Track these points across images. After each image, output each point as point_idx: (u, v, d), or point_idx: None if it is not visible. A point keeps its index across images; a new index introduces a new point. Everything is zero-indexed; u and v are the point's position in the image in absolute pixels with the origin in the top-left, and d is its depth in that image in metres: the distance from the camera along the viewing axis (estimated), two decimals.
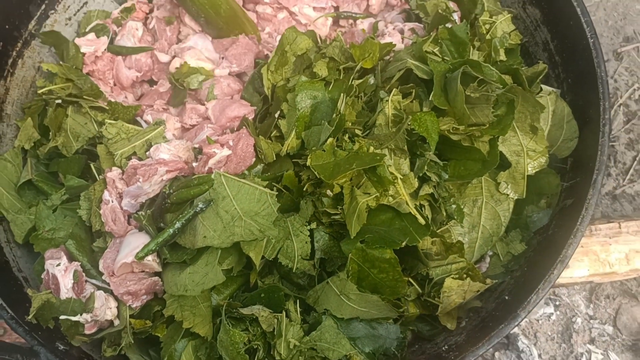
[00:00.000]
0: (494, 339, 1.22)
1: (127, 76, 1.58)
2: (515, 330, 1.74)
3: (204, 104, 1.44)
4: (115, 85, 1.59)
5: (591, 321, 1.77)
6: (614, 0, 2.13)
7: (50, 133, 1.43)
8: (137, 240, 1.26)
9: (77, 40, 1.60)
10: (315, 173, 1.23)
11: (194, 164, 1.32)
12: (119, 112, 1.43)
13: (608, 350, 1.75)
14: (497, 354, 1.72)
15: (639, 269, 1.72)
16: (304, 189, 1.27)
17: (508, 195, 1.34)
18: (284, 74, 1.42)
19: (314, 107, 1.34)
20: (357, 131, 1.26)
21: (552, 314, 1.77)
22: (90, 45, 1.59)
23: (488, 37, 1.46)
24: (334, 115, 1.28)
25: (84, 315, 1.27)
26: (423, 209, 1.26)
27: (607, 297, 1.77)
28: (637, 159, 1.93)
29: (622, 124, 1.95)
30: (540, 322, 1.76)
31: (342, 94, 1.30)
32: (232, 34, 1.50)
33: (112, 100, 1.48)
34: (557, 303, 1.77)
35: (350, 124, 1.28)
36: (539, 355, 1.73)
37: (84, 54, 1.56)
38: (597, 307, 1.77)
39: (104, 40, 1.58)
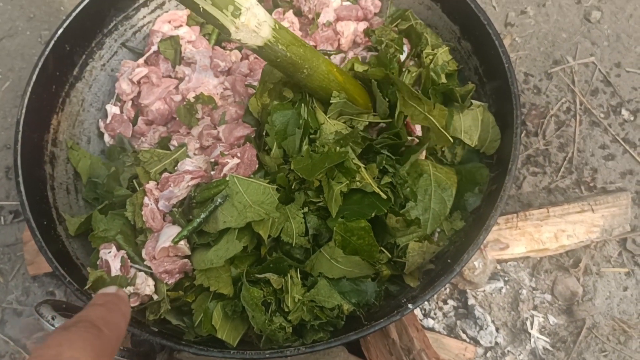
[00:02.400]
0: (438, 287, 1.48)
1: (150, 127, 1.94)
2: (473, 302, 2.00)
3: (216, 128, 1.78)
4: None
5: (534, 292, 2.02)
6: (544, 31, 2.42)
7: None
8: (172, 231, 1.59)
9: (108, 107, 1.96)
10: (298, 174, 1.56)
11: (212, 173, 1.70)
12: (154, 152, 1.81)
13: (547, 314, 2.00)
14: (458, 322, 1.99)
15: (565, 245, 1.98)
16: (292, 187, 1.60)
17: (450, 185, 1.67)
18: (264, 101, 1.74)
19: (287, 123, 1.65)
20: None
21: (502, 287, 2.03)
22: (116, 106, 1.97)
23: (431, 65, 1.76)
24: (300, 121, 1.62)
25: (129, 287, 1.59)
26: (386, 193, 1.59)
27: (546, 272, 2.04)
28: (567, 158, 2.19)
29: (553, 130, 2.23)
30: (493, 295, 2.02)
31: (302, 106, 1.64)
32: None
33: (147, 147, 1.85)
34: (506, 279, 2.03)
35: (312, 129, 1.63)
36: (492, 322, 1.99)
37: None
38: (538, 280, 2.03)
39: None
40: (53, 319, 1.31)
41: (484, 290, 2.05)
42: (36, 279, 2.14)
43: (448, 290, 2.06)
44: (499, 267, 2.07)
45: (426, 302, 2.06)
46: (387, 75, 1.65)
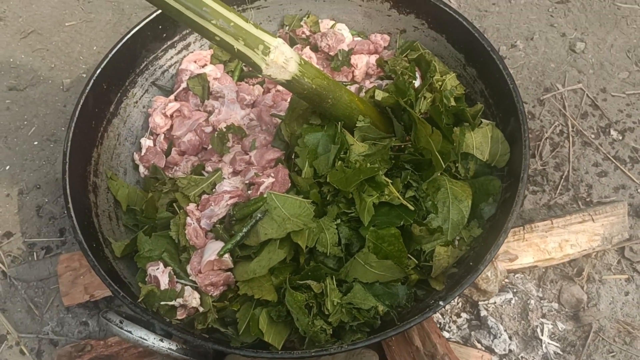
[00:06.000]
0: (465, 284, 1.60)
1: (182, 157, 2.08)
2: (485, 313, 2.10)
3: (248, 153, 1.92)
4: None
5: (541, 301, 2.14)
6: (534, 62, 2.61)
7: None
8: (215, 245, 1.72)
9: (142, 140, 2.10)
10: (335, 186, 1.71)
11: (249, 192, 1.82)
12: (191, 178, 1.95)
13: (556, 321, 2.11)
14: (472, 332, 2.08)
15: (569, 253, 2.11)
16: (327, 198, 1.74)
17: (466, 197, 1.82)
18: (294, 126, 1.88)
19: (317, 143, 1.80)
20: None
21: (512, 298, 2.14)
22: (150, 139, 2.11)
23: (441, 89, 1.91)
24: (336, 139, 1.77)
25: (178, 299, 1.70)
26: (410, 204, 1.72)
27: (552, 282, 2.16)
28: (563, 177, 2.35)
29: (549, 152, 2.39)
30: (503, 306, 2.13)
31: (337, 126, 1.79)
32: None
33: (181, 175, 2.00)
34: (515, 290, 2.15)
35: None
36: (505, 330, 2.09)
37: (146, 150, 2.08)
38: (545, 289, 2.15)
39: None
40: (121, 322, 1.43)
41: (495, 302, 2.16)
42: (70, 310, 2.23)
43: (460, 304, 2.18)
44: (507, 280, 2.19)
45: (441, 316, 2.18)
46: (398, 102, 1.83)
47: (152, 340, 1.54)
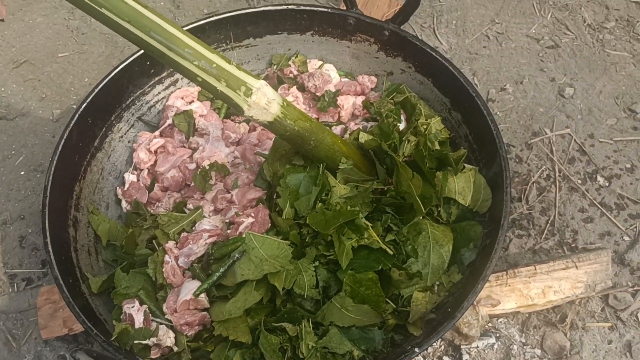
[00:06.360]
0: (441, 332, 1.58)
1: (165, 193, 2.08)
2: (467, 357, 2.07)
3: (230, 192, 1.92)
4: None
5: (524, 347, 2.11)
6: (522, 106, 2.61)
7: None
8: (192, 285, 1.71)
9: (126, 175, 2.10)
10: (314, 228, 1.71)
11: (228, 232, 1.83)
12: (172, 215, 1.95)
13: None
14: None
15: (552, 300, 2.08)
16: (306, 240, 1.74)
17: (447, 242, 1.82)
18: (277, 166, 1.88)
19: (299, 184, 1.81)
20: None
21: (494, 343, 2.11)
22: (133, 174, 2.11)
23: (425, 133, 1.91)
24: (318, 181, 1.77)
25: (152, 339, 1.69)
26: (390, 249, 1.72)
27: (535, 327, 2.14)
28: (549, 221, 2.33)
29: (536, 196, 2.38)
30: (486, 350, 2.10)
31: (319, 167, 1.80)
32: None
33: (163, 211, 1.99)
34: (498, 335, 2.12)
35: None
36: None
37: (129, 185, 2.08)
38: (528, 335, 2.13)
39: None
40: None
41: (477, 347, 2.14)
42: (48, 343, 2.21)
43: (443, 347, 2.16)
44: (490, 324, 2.18)
45: (422, 359, 2.16)
46: (381, 145, 1.84)
47: None
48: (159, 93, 2.23)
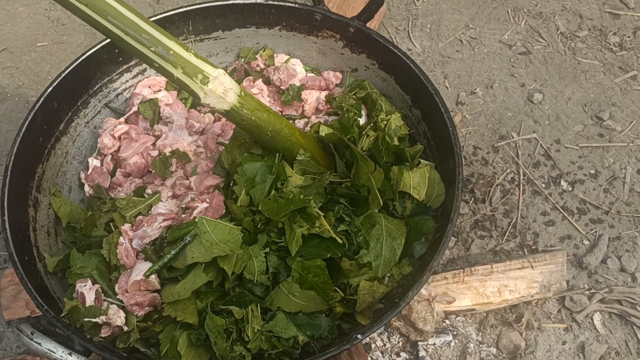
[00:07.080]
0: (384, 320, 1.62)
1: (127, 178, 2.10)
2: (424, 354, 2.11)
3: (189, 179, 1.96)
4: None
5: (480, 345, 2.14)
6: (491, 110, 2.65)
7: None
8: (144, 266, 1.73)
9: (89, 159, 2.12)
10: (266, 215, 1.74)
11: (183, 216, 1.87)
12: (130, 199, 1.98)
13: None
14: None
15: (507, 299, 2.12)
16: (258, 227, 1.76)
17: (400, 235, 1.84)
18: (235, 154, 1.91)
19: (256, 172, 1.83)
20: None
21: (452, 341, 2.14)
22: (97, 159, 2.14)
23: (385, 128, 1.95)
24: (273, 169, 1.80)
25: (101, 317, 1.71)
26: (341, 239, 1.75)
27: (491, 326, 2.17)
28: (511, 224, 2.37)
29: (499, 198, 2.42)
30: (443, 348, 2.13)
31: (276, 156, 1.83)
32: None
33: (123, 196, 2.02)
34: (455, 333, 2.15)
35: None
36: None
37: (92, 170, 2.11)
38: (484, 334, 2.16)
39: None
40: (32, 333, 1.44)
41: (434, 344, 2.16)
42: (10, 324, 2.24)
43: (401, 343, 2.18)
44: (448, 322, 2.20)
45: (380, 354, 2.18)
46: (341, 139, 1.87)
47: (60, 353, 1.55)
48: (127, 81, 2.25)
